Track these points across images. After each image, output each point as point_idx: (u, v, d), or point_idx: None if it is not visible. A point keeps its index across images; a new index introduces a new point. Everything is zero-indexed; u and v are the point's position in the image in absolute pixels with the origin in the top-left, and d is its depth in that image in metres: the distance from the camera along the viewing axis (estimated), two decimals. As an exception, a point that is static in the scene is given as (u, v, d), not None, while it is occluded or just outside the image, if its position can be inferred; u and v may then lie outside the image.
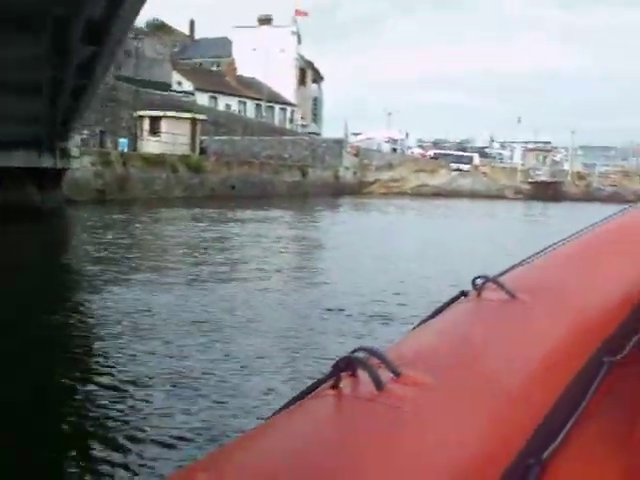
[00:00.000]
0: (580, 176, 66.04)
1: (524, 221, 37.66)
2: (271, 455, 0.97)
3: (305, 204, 42.93)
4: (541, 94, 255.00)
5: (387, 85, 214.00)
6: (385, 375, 1.10)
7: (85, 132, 36.60)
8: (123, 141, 42.46)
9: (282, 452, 0.98)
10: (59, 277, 14.71)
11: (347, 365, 1.14)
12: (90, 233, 21.98)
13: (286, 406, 1.19)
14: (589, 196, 61.18)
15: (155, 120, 44.66)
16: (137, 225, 25.06)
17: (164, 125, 44.37)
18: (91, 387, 7.26)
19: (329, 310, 11.20)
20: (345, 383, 1.13)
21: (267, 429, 1.09)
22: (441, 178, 61.83)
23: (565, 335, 1.45)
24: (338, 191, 53.36)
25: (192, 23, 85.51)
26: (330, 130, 79.13)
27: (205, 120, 48.71)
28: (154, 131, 44.36)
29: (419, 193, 58.35)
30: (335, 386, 1.13)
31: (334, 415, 1.11)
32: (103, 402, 6.81)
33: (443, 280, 13.45)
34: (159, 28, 74.01)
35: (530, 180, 63.33)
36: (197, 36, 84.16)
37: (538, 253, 1.96)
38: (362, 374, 1.12)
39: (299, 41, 77.35)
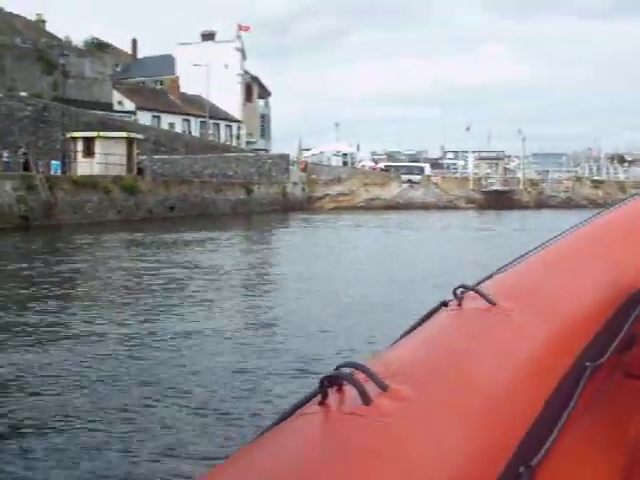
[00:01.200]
0: (532, 183, 65.20)
1: (478, 231, 36.21)
2: (260, 475, 0.97)
3: (250, 223, 41.04)
4: (496, 103, 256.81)
5: (343, 100, 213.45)
6: (372, 389, 1.09)
7: (5, 155, 34.26)
8: (55, 163, 40.21)
9: (271, 471, 0.98)
10: None
11: (333, 381, 1.12)
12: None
13: (274, 425, 1.16)
14: (541, 203, 60.61)
15: (89, 141, 42.30)
16: (55, 253, 22.89)
17: (98, 146, 41.98)
18: None
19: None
20: (332, 399, 1.12)
21: (255, 448, 1.07)
22: (392, 190, 60.32)
23: (547, 341, 1.45)
24: (286, 207, 51.65)
25: (134, 42, 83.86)
26: (281, 147, 77.55)
27: (144, 140, 46.57)
28: (88, 152, 42.05)
29: (370, 207, 56.69)
30: (322, 402, 1.12)
31: (323, 431, 1.08)
32: None
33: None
34: (99, 47, 71.88)
35: (482, 189, 62.32)
36: (140, 55, 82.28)
37: (516, 259, 1.91)
38: (349, 389, 1.11)
39: (244, 57, 75.65)
